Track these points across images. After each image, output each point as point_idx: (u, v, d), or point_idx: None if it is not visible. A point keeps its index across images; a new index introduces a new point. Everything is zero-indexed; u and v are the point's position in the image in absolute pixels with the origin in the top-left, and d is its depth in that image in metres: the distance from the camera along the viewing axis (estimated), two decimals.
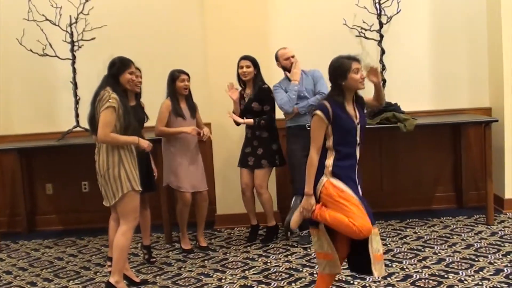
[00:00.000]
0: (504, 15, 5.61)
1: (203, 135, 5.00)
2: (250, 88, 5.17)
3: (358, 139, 3.42)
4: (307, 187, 3.37)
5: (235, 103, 5.19)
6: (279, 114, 5.19)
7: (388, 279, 4.14)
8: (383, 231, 5.29)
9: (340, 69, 3.37)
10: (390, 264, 4.43)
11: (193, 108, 5.04)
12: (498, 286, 3.92)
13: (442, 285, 3.97)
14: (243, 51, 5.16)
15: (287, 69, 5.13)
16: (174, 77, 4.96)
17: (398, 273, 4.25)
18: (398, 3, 5.70)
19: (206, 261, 4.81)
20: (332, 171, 3.34)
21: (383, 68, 5.65)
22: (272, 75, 5.32)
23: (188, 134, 4.88)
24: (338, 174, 3.34)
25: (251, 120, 5.08)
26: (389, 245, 4.88)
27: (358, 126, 3.41)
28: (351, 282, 4.12)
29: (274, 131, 5.20)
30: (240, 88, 5.24)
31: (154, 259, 4.89)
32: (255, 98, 5.10)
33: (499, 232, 5.12)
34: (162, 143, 5.06)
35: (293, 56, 5.11)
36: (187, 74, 4.99)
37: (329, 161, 3.35)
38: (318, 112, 3.33)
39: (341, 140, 3.35)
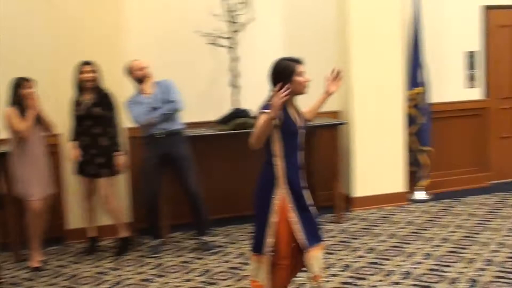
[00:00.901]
0: (352, 23, 5.97)
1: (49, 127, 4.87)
2: (89, 94, 5.02)
3: (300, 144, 3.39)
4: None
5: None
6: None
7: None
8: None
9: (284, 71, 3.27)
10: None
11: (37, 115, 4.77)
12: (348, 281, 4.15)
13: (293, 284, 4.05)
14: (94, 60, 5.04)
15: (140, 80, 5.04)
16: (19, 84, 4.71)
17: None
18: (251, 11, 5.78)
19: (57, 278, 4.60)
20: (286, 180, 3.28)
21: (236, 74, 5.73)
22: (123, 85, 5.22)
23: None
24: (290, 182, 3.29)
25: (122, 158, 5.04)
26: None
27: (300, 131, 3.38)
28: None
29: (116, 139, 5.08)
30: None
31: (2, 280, 4.57)
32: (97, 104, 4.99)
33: (348, 230, 5.40)
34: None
35: (146, 67, 5.04)
36: (32, 81, 4.76)
37: (280, 170, 3.28)
38: (266, 111, 3.18)
39: (287, 146, 3.29)
